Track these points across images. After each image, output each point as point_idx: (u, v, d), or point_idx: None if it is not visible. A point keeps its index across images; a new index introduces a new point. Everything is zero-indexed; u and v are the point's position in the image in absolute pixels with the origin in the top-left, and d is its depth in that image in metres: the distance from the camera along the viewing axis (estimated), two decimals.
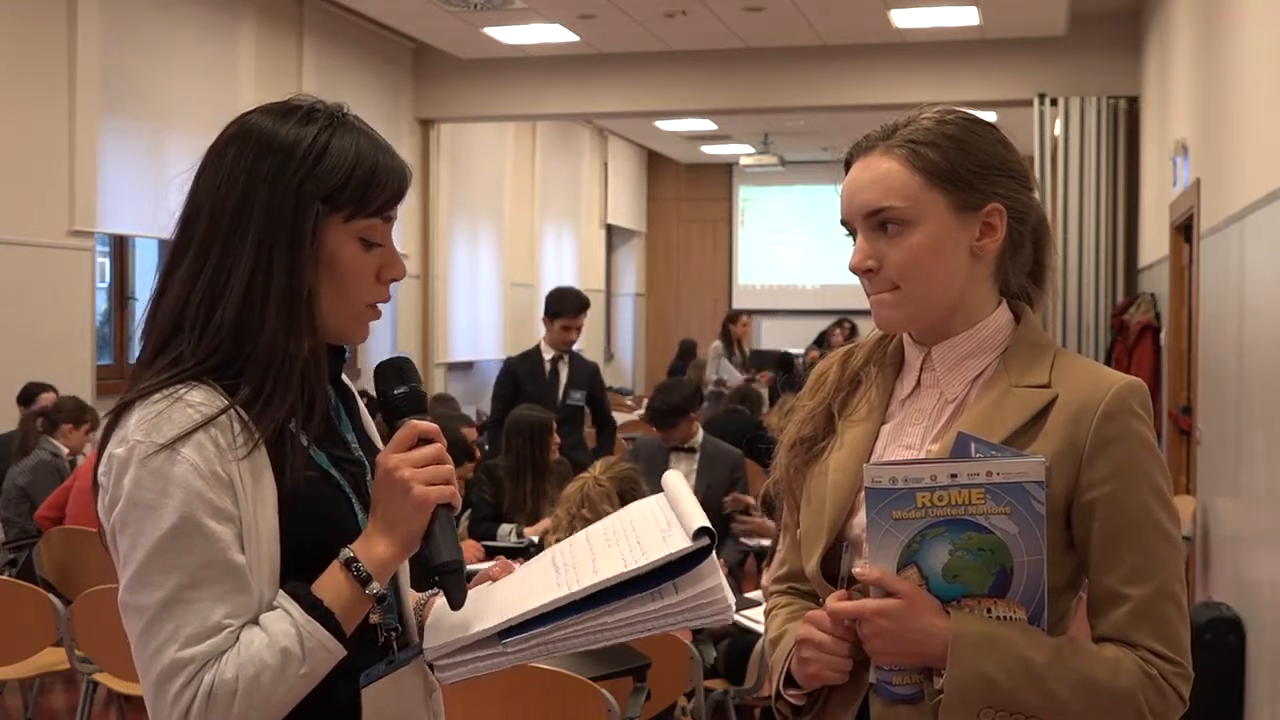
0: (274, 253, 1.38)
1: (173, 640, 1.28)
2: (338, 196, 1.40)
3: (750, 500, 5.68)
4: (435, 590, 1.58)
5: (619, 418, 9.97)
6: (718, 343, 12.40)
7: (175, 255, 1.42)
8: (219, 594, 1.30)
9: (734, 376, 11.64)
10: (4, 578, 4.41)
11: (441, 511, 1.39)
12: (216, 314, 1.37)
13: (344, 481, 1.46)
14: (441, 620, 1.44)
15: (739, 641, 4.32)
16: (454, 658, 1.39)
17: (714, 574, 1.38)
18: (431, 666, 1.50)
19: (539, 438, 5.29)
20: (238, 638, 1.30)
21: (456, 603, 1.40)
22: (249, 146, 1.40)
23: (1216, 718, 4.46)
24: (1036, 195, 1.59)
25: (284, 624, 1.32)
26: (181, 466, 1.31)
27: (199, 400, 1.35)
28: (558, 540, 4.25)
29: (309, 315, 1.40)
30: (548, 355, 6.31)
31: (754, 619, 4.06)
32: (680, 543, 1.37)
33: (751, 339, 13.76)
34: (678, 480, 1.53)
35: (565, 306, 6.27)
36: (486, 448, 6.43)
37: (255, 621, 1.32)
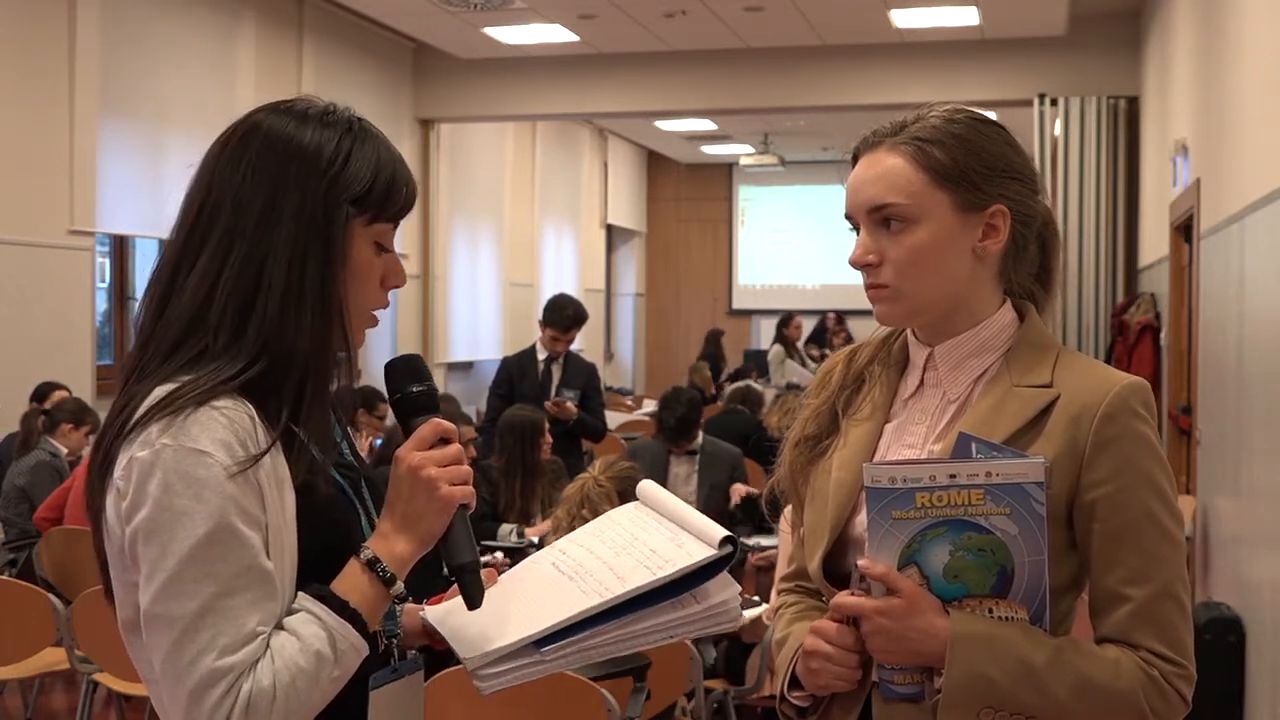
0: (308, 256, 1.36)
1: (209, 649, 1.25)
2: (364, 200, 1.39)
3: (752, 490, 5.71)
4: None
5: (618, 418, 9.96)
6: (778, 347, 12.12)
7: (188, 246, 1.38)
8: (252, 601, 1.27)
9: (805, 377, 11.34)
10: (4, 578, 4.40)
11: (459, 511, 1.39)
12: (256, 310, 1.34)
13: (347, 487, 1.46)
14: (459, 631, 1.43)
15: (739, 642, 4.32)
16: (494, 668, 1.38)
17: (729, 586, 1.42)
18: (420, 671, 1.50)
19: (530, 438, 5.31)
20: (268, 644, 1.28)
21: (474, 603, 1.39)
22: (272, 148, 1.38)
23: (1216, 718, 4.45)
24: (1044, 199, 1.59)
25: (314, 627, 1.30)
26: (214, 470, 1.27)
27: (225, 404, 1.31)
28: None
29: (340, 324, 1.38)
30: (541, 355, 6.31)
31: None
32: (703, 551, 1.39)
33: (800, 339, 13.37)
34: (658, 490, 1.55)
35: (555, 319, 6.21)
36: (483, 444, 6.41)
37: (280, 626, 1.30)
